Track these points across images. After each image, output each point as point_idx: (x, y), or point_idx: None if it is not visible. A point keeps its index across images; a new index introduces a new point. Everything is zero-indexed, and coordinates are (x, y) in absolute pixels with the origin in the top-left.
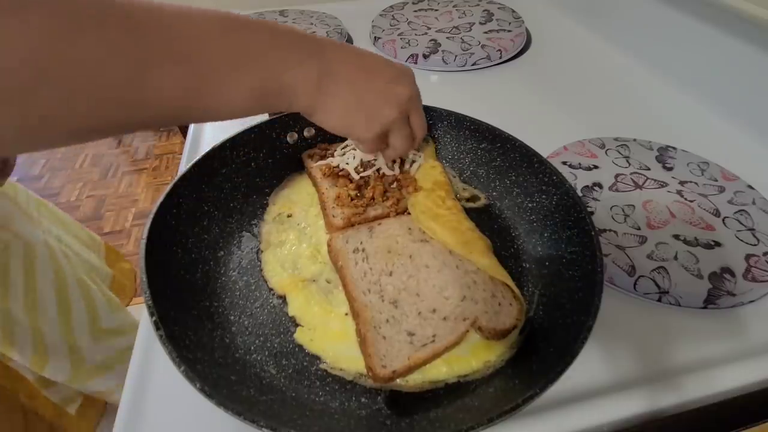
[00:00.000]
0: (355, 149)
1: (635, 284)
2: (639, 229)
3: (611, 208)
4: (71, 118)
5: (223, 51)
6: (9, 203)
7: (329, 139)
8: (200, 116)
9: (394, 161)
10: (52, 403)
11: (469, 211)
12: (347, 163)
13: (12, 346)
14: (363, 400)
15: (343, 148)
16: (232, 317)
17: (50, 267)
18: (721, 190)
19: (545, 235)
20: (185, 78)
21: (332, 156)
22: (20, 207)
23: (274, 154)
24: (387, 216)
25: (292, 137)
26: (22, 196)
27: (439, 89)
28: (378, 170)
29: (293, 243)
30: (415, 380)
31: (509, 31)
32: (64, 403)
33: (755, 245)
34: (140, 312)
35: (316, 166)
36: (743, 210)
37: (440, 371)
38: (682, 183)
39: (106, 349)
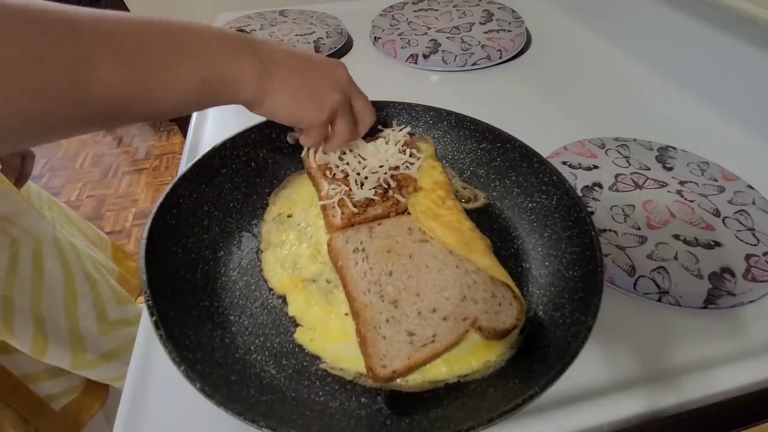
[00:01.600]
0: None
1: (635, 284)
2: (639, 229)
3: (611, 208)
4: (24, 119)
5: (164, 45)
6: (20, 200)
7: None
8: (146, 110)
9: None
10: (35, 397)
11: (469, 211)
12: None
13: (11, 333)
14: (363, 400)
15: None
16: (232, 317)
17: (58, 261)
18: (721, 190)
19: (545, 235)
20: (127, 72)
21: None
22: (31, 204)
23: (274, 154)
24: (387, 216)
25: (292, 137)
26: (33, 193)
27: (439, 89)
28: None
29: (293, 243)
30: (415, 380)
31: (509, 31)
32: (50, 399)
33: (755, 245)
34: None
35: (315, 166)
36: (743, 210)
37: (440, 371)
38: (682, 183)
39: (113, 338)
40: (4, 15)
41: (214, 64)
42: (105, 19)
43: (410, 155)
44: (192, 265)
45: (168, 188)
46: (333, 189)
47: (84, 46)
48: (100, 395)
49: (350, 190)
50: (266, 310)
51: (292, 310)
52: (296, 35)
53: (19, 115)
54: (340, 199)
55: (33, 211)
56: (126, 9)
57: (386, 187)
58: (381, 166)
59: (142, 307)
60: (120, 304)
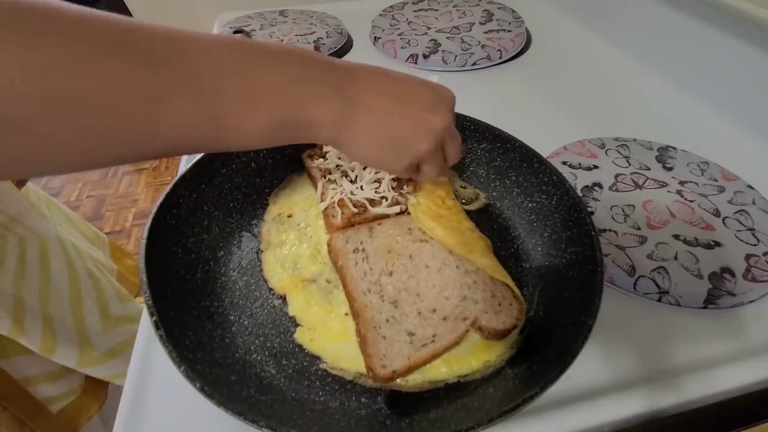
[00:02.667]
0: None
1: (635, 284)
2: (639, 229)
3: (611, 208)
4: (78, 150)
5: (241, 85)
6: (23, 199)
7: None
8: (212, 148)
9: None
10: (33, 400)
11: (469, 211)
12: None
13: (22, 332)
14: (363, 400)
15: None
16: (232, 317)
17: (63, 260)
18: (721, 190)
19: (545, 235)
20: (200, 112)
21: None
22: (32, 203)
23: (274, 154)
24: (387, 216)
25: None
26: (32, 193)
27: None
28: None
29: (293, 243)
30: (415, 380)
31: (509, 31)
32: (48, 402)
33: (755, 245)
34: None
35: (315, 166)
36: (743, 210)
37: (440, 371)
38: (682, 183)
39: (116, 335)
40: (85, 39)
41: (293, 105)
42: (184, 49)
43: None
44: (192, 265)
45: (168, 188)
46: (333, 189)
47: (161, 82)
48: (99, 396)
49: (351, 190)
50: (266, 310)
51: (292, 310)
52: (296, 35)
53: (75, 148)
54: (340, 199)
55: (35, 211)
56: (126, 8)
57: (386, 187)
58: None
59: (142, 305)
60: (122, 302)
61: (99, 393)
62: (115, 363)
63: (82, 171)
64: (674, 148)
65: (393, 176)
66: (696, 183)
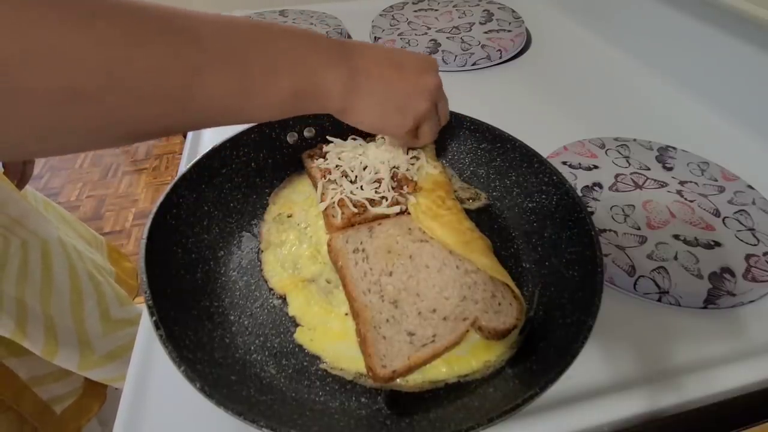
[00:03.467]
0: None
1: (635, 284)
2: (639, 229)
3: (611, 208)
4: (132, 122)
5: (267, 56)
6: (24, 202)
7: (329, 141)
8: (238, 118)
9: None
10: (39, 401)
11: (469, 211)
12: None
13: (24, 335)
14: (363, 400)
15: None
16: (232, 317)
17: (65, 262)
18: (721, 190)
19: (545, 235)
20: (233, 82)
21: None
22: (33, 206)
23: (274, 154)
24: (387, 216)
25: (292, 137)
26: (31, 195)
27: None
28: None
29: (293, 243)
30: (415, 380)
31: (509, 31)
32: (52, 402)
33: (755, 245)
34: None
35: (315, 166)
36: (743, 210)
37: (440, 371)
38: (682, 183)
39: (116, 338)
40: (138, 22)
41: (308, 75)
42: (215, 29)
43: (413, 157)
44: (192, 265)
45: (168, 188)
46: (333, 189)
47: (198, 58)
48: (99, 397)
49: (351, 190)
50: (266, 310)
51: (292, 310)
52: None
53: (130, 122)
54: (340, 199)
55: (36, 213)
56: None
57: (386, 187)
58: (383, 163)
59: (142, 307)
60: (122, 305)
61: (99, 393)
62: (115, 366)
63: (129, 143)
64: (674, 148)
65: (393, 176)
66: (696, 183)
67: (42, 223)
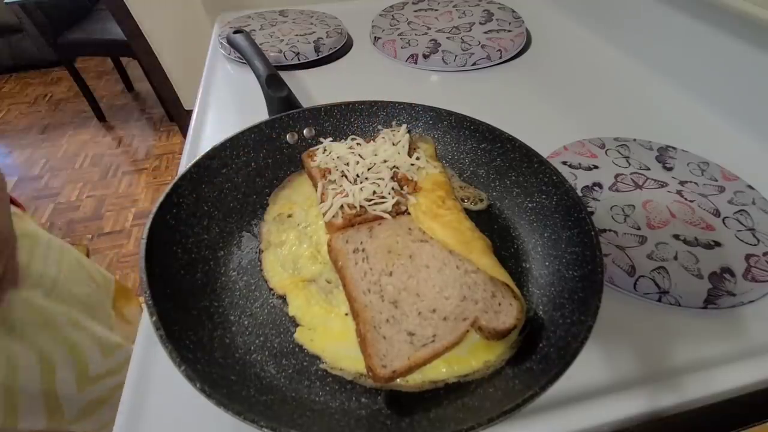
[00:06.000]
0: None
1: (635, 284)
2: (639, 229)
3: (611, 208)
4: None
5: None
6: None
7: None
8: None
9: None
10: None
11: (469, 211)
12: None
13: None
14: (363, 400)
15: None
16: (232, 317)
17: (37, 330)
18: (721, 190)
19: (545, 235)
20: None
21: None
22: (30, 268)
23: (274, 154)
24: (387, 216)
25: (292, 137)
26: (42, 243)
27: (439, 89)
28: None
29: (293, 243)
30: (415, 380)
31: (509, 31)
32: None
33: (755, 245)
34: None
35: (315, 166)
36: (743, 210)
37: (440, 371)
38: (682, 183)
39: (94, 391)
40: None
41: None
42: None
43: (416, 158)
44: (192, 265)
45: (168, 188)
46: (333, 189)
47: None
48: None
49: (351, 191)
50: (266, 310)
51: (292, 310)
52: (296, 35)
53: None
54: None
55: (26, 283)
56: (126, 8)
57: (386, 187)
58: (383, 163)
59: (131, 348)
60: (106, 356)
61: None
62: (94, 419)
63: None
64: (674, 148)
65: (393, 176)
66: (696, 183)
67: (27, 295)
